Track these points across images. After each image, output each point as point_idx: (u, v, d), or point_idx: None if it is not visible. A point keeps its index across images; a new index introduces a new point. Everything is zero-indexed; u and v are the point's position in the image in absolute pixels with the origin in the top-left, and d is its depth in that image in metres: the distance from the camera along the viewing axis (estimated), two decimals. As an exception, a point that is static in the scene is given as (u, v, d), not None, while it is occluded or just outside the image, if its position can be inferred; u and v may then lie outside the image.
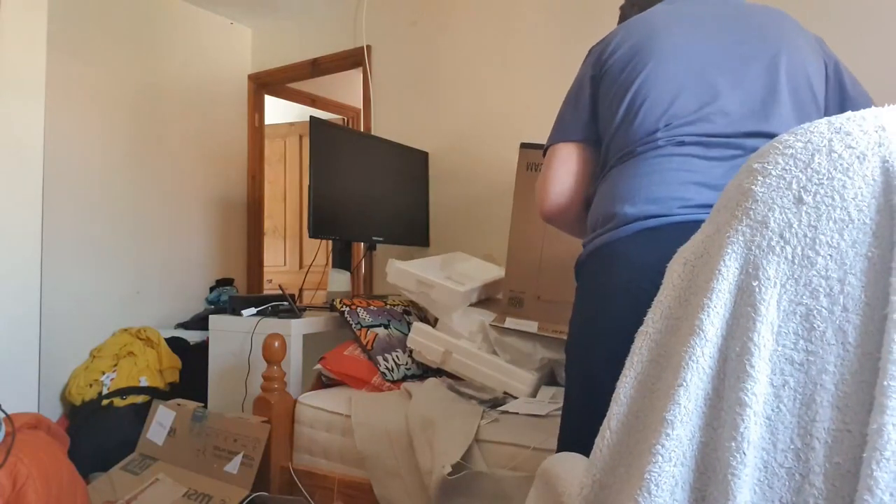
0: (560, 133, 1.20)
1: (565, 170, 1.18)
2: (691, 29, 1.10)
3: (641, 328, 0.70)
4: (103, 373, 2.56)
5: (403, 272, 2.14)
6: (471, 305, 2.10)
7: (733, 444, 0.58)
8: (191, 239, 3.24)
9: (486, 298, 2.19)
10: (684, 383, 0.61)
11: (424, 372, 2.10)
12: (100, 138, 2.83)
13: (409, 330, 2.13)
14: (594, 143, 1.17)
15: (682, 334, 0.64)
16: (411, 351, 2.08)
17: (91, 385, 2.53)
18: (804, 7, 2.10)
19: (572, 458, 0.84)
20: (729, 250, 0.62)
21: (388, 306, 2.32)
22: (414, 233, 2.81)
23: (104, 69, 2.86)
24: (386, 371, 2.01)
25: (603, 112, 1.14)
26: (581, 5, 2.54)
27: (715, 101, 1.03)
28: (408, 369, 2.07)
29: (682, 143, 1.02)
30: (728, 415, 0.59)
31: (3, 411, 1.63)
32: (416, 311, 2.40)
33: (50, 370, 2.52)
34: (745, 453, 0.57)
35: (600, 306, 1.02)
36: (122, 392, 2.50)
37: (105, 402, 2.47)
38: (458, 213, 2.82)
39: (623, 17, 1.44)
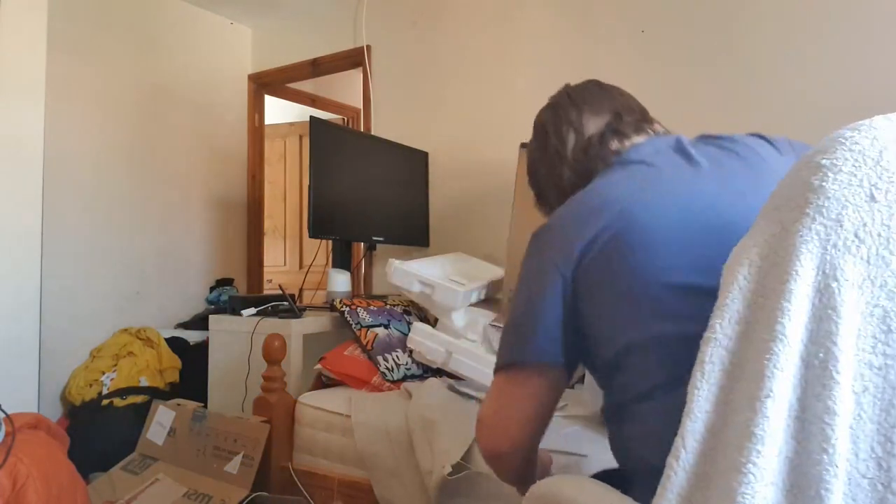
0: (518, 351, 0.91)
1: (528, 399, 0.91)
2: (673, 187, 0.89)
3: (707, 334, 0.64)
4: (103, 373, 2.56)
5: (404, 272, 2.14)
6: (471, 305, 2.10)
7: (825, 456, 0.54)
8: (191, 239, 3.24)
9: (486, 298, 2.19)
10: (771, 394, 0.57)
11: (424, 372, 2.10)
12: (100, 138, 2.83)
13: (409, 330, 2.13)
14: (565, 364, 0.90)
15: (758, 340, 0.60)
16: (411, 351, 2.08)
17: (91, 385, 2.53)
18: (811, 9, 2.10)
19: (593, 487, 0.77)
20: (803, 249, 0.58)
21: (388, 306, 2.32)
22: (414, 233, 2.81)
23: (104, 69, 2.86)
24: (386, 371, 2.01)
25: (598, 315, 0.86)
26: (581, 5, 2.54)
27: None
28: (408, 369, 2.07)
29: None
30: (815, 426, 0.56)
31: (3, 411, 1.63)
32: (416, 311, 2.40)
33: (50, 370, 2.52)
34: (837, 466, 0.53)
35: None
36: (122, 392, 2.50)
37: (105, 402, 2.47)
38: (458, 213, 2.82)
39: (548, 195, 1.11)
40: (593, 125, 1.03)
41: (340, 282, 2.53)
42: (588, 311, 0.87)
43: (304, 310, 2.38)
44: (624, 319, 0.83)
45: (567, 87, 1.10)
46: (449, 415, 1.65)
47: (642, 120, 1.04)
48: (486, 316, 2.05)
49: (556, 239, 0.91)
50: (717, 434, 0.61)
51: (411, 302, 2.40)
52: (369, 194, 2.59)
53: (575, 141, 1.04)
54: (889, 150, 0.57)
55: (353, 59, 3.15)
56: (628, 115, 1.03)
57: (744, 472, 0.56)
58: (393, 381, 2.00)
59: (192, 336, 2.88)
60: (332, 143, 2.44)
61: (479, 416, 0.95)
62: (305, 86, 3.84)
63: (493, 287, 2.20)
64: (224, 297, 3.14)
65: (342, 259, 2.62)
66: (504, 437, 0.92)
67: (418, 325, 2.07)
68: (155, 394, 2.51)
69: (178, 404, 2.04)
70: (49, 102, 2.27)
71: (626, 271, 0.83)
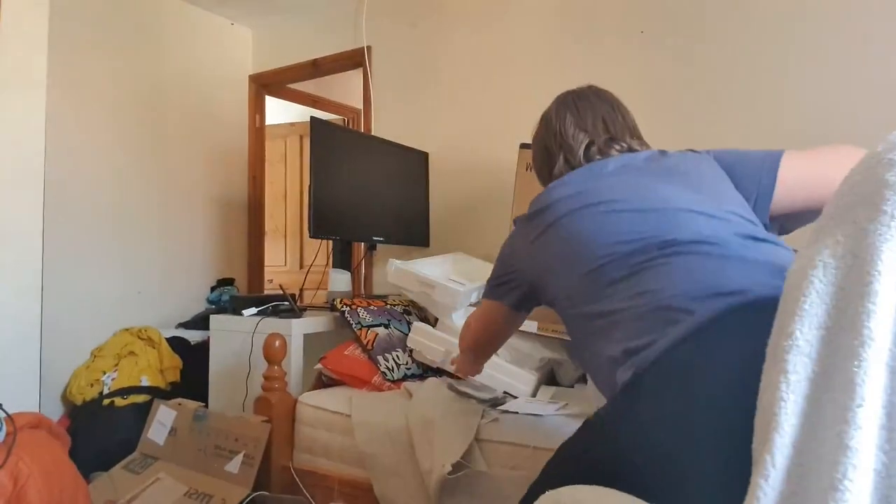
0: (489, 293, 1.36)
1: (492, 320, 1.39)
2: (624, 171, 1.15)
3: (787, 342, 0.61)
4: (104, 372, 2.57)
5: (404, 272, 2.14)
6: (471, 305, 2.11)
7: None
8: (192, 239, 3.25)
9: (486, 298, 2.19)
10: (863, 402, 0.53)
11: (424, 372, 2.10)
12: (100, 138, 2.84)
13: (409, 330, 2.13)
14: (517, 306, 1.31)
15: (844, 346, 0.57)
16: (411, 351, 2.09)
17: (92, 385, 2.54)
18: (815, 17, 2.11)
19: (615, 497, 0.74)
20: (884, 248, 0.56)
21: (388, 306, 2.32)
22: (414, 233, 2.81)
23: (105, 69, 2.86)
24: (386, 371, 2.02)
25: (559, 261, 1.11)
26: (581, 5, 2.54)
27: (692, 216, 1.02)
28: (408, 369, 2.08)
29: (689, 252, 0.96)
30: None
31: (5, 411, 1.63)
32: (416, 311, 2.40)
33: (51, 370, 2.53)
34: None
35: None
36: (123, 392, 2.50)
37: (106, 401, 2.48)
38: (458, 213, 2.83)
39: (538, 171, 1.43)
40: (580, 134, 1.27)
41: (341, 282, 2.53)
42: (554, 258, 1.16)
43: (305, 310, 2.39)
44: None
45: (570, 92, 1.34)
46: (449, 414, 1.65)
47: (617, 138, 1.25)
48: (486, 316, 2.05)
49: (527, 219, 1.22)
50: (806, 449, 0.58)
51: (411, 302, 2.40)
52: (369, 194, 2.59)
53: (564, 142, 1.28)
54: None
55: (354, 59, 3.15)
56: (605, 133, 1.26)
57: (840, 490, 0.52)
58: (393, 381, 2.01)
59: (193, 336, 2.88)
60: (333, 143, 2.44)
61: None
62: (306, 86, 3.84)
63: (493, 287, 2.20)
64: (225, 297, 3.15)
65: (342, 259, 2.63)
66: (470, 335, 1.50)
67: (418, 325, 2.08)
68: (156, 393, 2.51)
69: (179, 404, 2.04)
70: (50, 102, 2.28)
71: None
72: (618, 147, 1.24)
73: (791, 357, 0.60)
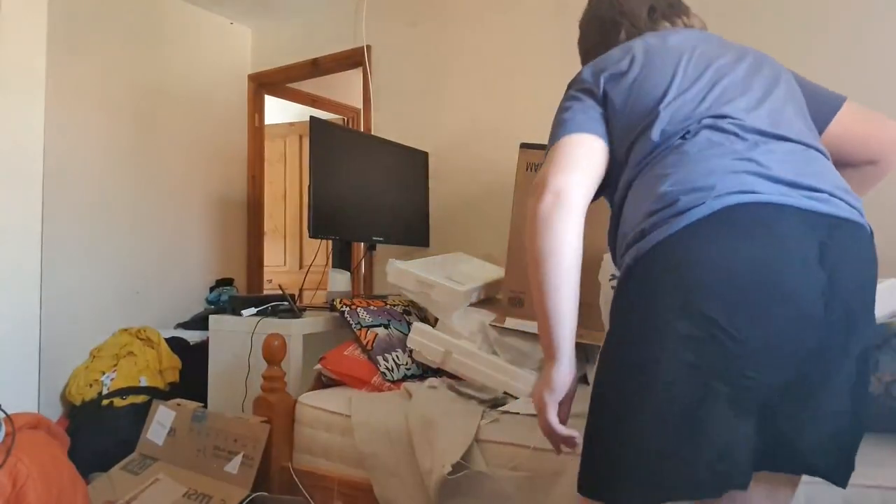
0: (567, 127, 1.03)
1: (579, 152, 1.01)
2: (696, 42, 1.08)
3: None
4: (103, 373, 2.56)
5: (403, 272, 2.14)
6: (471, 305, 2.10)
7: None
8: (191, 239, 3.24)
9: (486, 298, 2.19)
10: None
11: (424, 372, 2.10)
12: (100, 137, 2.83)
13: (409, 330, 2.13)
14: (606, 140, 1.04)
15: None
16: (411, 351, 2.08)
17: (91, 385, 2.53)
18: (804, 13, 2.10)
19: None
20: None
21: (388, 306, 2.32)
22: (414, 233, 2.81)
23: (104, 69, 2.86)
24: (386, 371, 2.01)
25: (621, 122, 1.03)
26: (582, 5, 2.54)
27: (736, 101, 1.00)
28: (408, 369, 2.07)
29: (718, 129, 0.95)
30: None
31: (4, 411, 1.63)
32: (416, 311, 2.40)
33: (50, 370, 2.52)
34: None
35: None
36: (122, 392, 2.50)
37: (105, 402, 2.47)
38: (458, 213, 2.82)
39: (588, 53, 1.32)
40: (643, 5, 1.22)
41: (340, 282, 2.53)
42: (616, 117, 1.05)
43: (304, 310, 2.38)
44: None
45: None
46: (449, 415, 1.65)
47: (682, 13, 1.22)
48: (486, 316, 2.05)
49: (588, 72, 1.09)
50: None
51: (411, 302, 2.40)
52: (369, 194, 2.59)
53: (624, 8, 1.23)
54: None
55: (353, 59, 3.15)
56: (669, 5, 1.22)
57: None
58: (393, 381, 2.00)
59: (192, 336, 2.88)
60: (332, 143, 2.44)
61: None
62: (305, 86, 3.84)
63: (493, 287, 2.20)
64: (224, 297, 3.15)
65: (342, 259, 2.62)
66: (555, 170, 0.98)
67: (418, 325, 2.07)
68: (155, 394, 2.51)
69: (178, 404, 2.04)
70: (49, 102, 2.28)
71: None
72: (683, 20, 1.20)
73: None
